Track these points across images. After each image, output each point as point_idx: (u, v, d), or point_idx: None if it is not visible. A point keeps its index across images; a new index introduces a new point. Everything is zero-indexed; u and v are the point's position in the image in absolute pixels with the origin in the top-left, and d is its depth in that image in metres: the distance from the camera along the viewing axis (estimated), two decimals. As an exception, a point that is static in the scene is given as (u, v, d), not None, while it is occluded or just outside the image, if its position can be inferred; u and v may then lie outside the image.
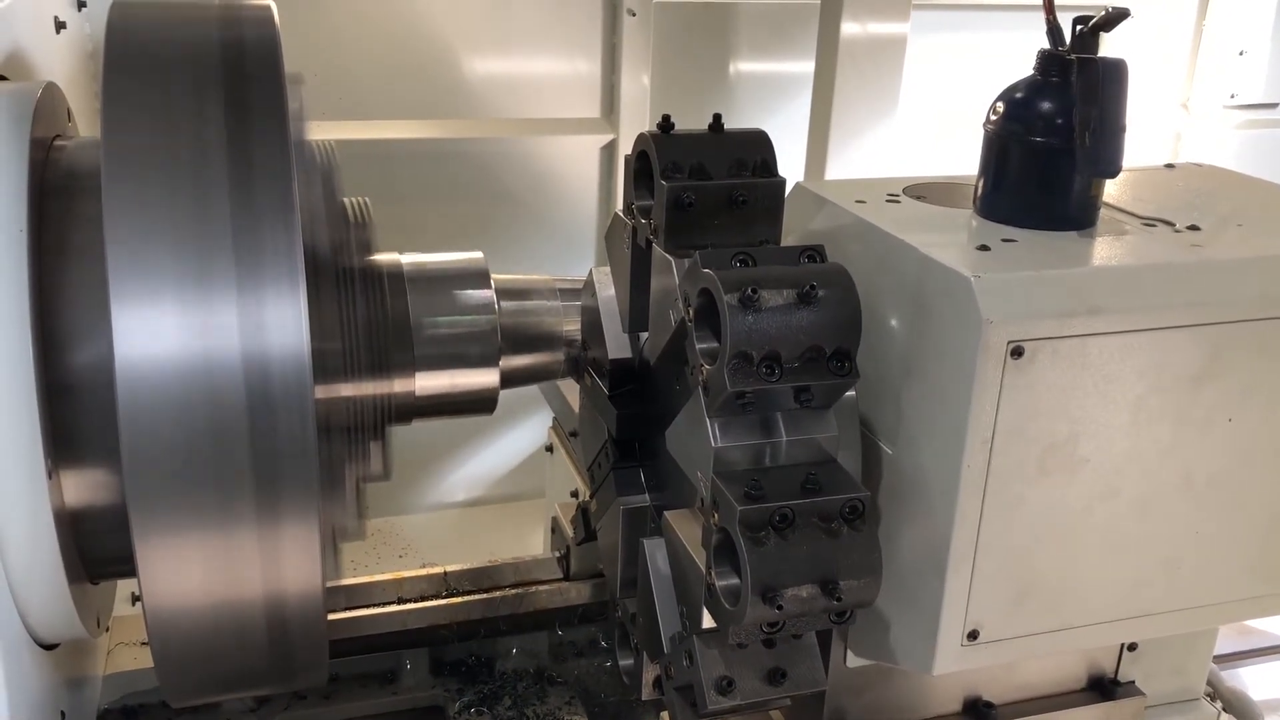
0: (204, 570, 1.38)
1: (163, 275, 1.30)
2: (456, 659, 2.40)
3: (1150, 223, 1.59)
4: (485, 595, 2.40)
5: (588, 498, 1.91)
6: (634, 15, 3.67)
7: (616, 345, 1.72)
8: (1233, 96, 4.41)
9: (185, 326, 1.31)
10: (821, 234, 1.63)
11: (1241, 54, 4.39)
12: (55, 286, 1.42)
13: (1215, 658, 2.26)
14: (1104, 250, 1.49)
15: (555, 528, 2.47)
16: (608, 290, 1.75)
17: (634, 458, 1.71)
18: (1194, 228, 1.57)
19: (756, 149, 1.53)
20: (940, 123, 3.82)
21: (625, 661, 1.81)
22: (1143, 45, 4.28)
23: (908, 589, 1.49)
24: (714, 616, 1.42)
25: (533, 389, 2.56)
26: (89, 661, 1.99)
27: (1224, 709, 1.99)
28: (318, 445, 1.35)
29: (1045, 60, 1.51)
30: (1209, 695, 1.99)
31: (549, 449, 2.70)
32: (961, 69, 3.98)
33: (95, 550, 1.54)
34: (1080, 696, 1.85)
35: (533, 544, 2.83)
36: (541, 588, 2.43)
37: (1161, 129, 4.44)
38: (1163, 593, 1.55)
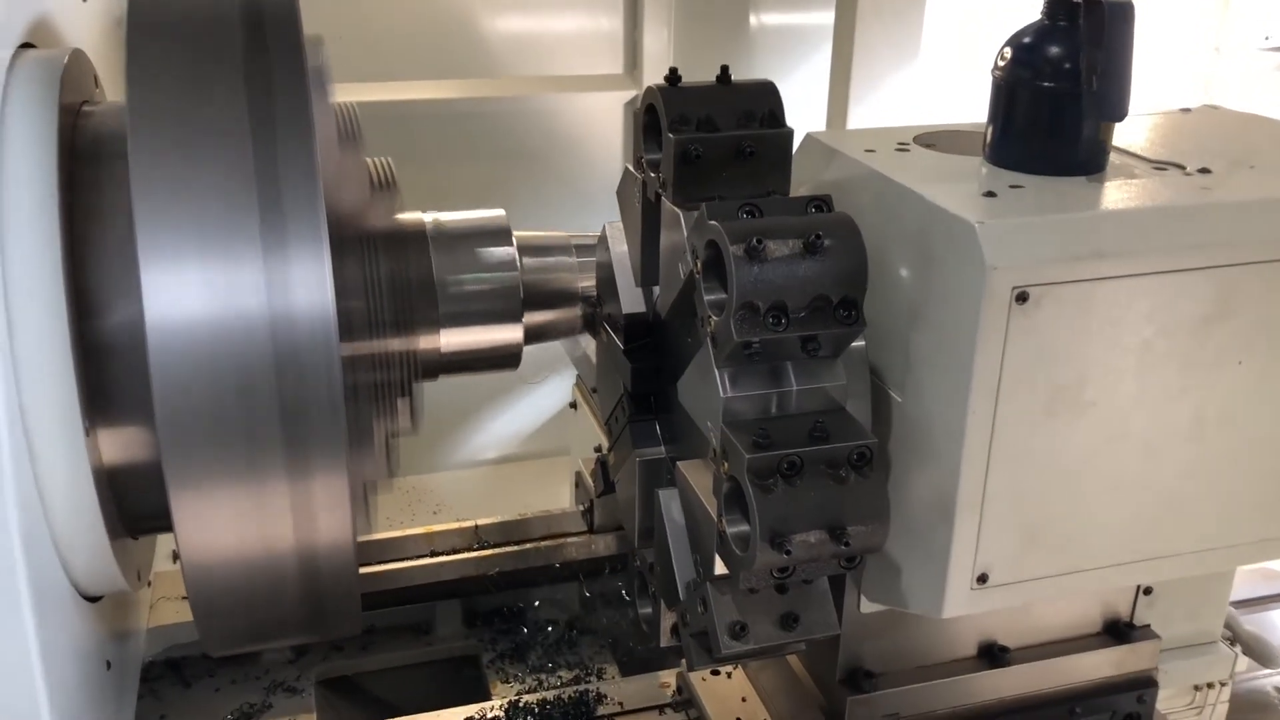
0: (237, 523, 1.42)
1: (189, 236, 1.33)
2: (490, 609, 2.46)
3: (1161, 166, 1.57)
4: (516, 547, 2.46)
5: (606, 451, 1.94)
6: (656, -31, 3.66)
7: (630, 300, 1.74)
8: (1266, 39, 4.31)
9: (213, 285, 1.34)
10: (833, 184, 1.64)
11: (1275, -5, 4.29)
12: (86, 249, 1.45)
13: (1241, 602, 2.27)
14: (1111, 194, 1.48)
15: (579, 482, 2.51)
16: (621, 245, 1.77)
17: (650, 411, 1.73)
18: (1205, 170, 1.55)
19: (764, 100, 1.54)
20: (963, 69, 3.77)
21: (644, 610, 1.85)
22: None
23: (918, 534, 1.51)
24: (726, 563, 1.45)
25: (557, 347, 2.60)
26: (133, 615, 2.06)
27: (1243, 652, 2.00)
28: (344, 401, 1.39)
29: (1052, 4, 1.50)
30: (1228, 639, 2.00)
31: (573, 405, 2.74)
32: (984, 14, 3.92)
33: (133, 506, 1.59)
34: (1095, 640, 1.86)
35: (561, 498, 2.88)
36: (569, 540, 2.49)
37: (1193, 72, 4.35)
38: (1173, 535, 1.55)
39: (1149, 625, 1.88)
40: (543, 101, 3.75)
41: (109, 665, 1.77)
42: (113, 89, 1.87)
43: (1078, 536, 1.51)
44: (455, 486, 3.97)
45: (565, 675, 2.33)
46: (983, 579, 1.48)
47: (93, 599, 1.68)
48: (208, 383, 1.35)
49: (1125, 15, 1.44)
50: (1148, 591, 1.85)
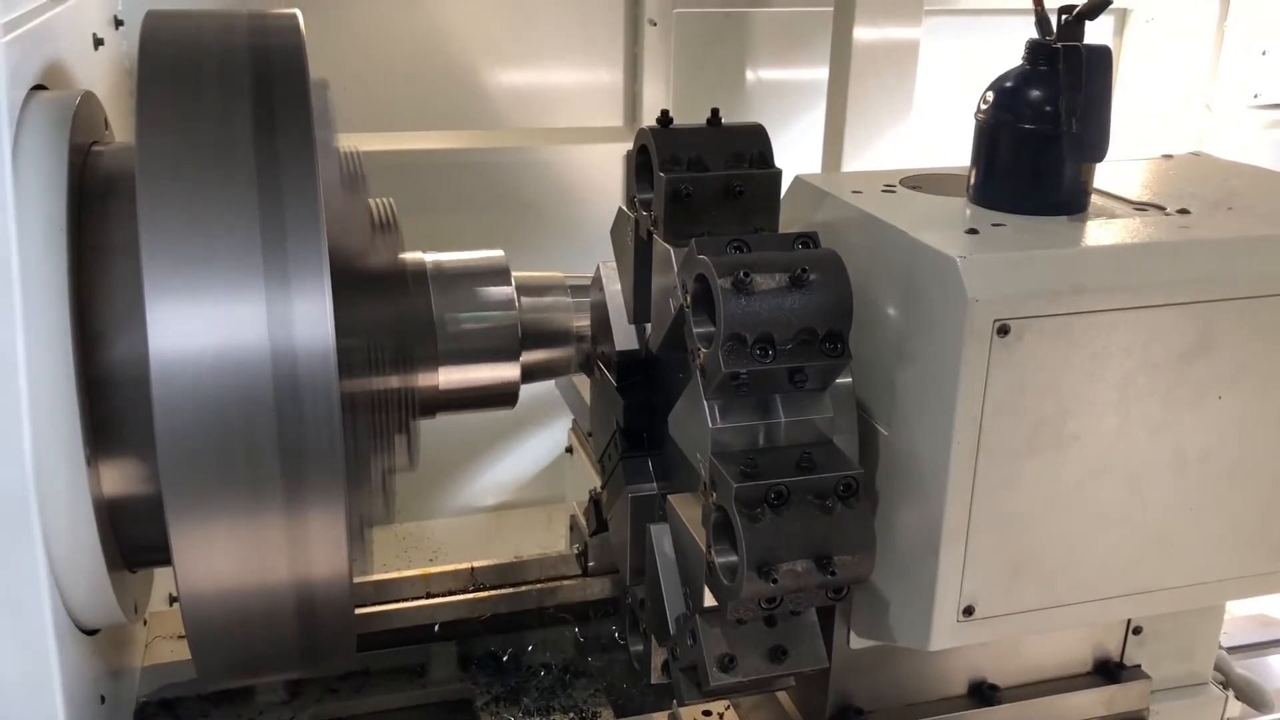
0: (235, 555, 1.44)
1: (194, 273, 1.37)
2: (484, 653, 2.45)
3: (1141, 207, 1.61)
4: (511, 590, 2.46)
5: (600, 489, 1.96)
6: (655, 25, 3.74)
7: (624, 338, 1.77)
8: (1256, 96, 4.38)
9: (216, 322, 1.37)
10: (821, 225, 1.68)
11: (1264, 54, 4.36)
12: (92, 284, 1.49)
13: (1237, 648, 2.27)
14: (1091, 232, 1.52)
15: (574, 525, 2.52)
16: (615, 284, 1.81)
17: (642, 447, 1.75)
18: (1184, 211, 1.59)
19: (754, 142, 1.58)
20: (954, 126, 3.83)
21: (635, 647, 1.86)
22: (1164, 46, 4.28)
23: (905, 567, 1.52)
24: (714, 594, 1.46)
25: (554, 394, 2.63)
26: (128, 652, 2.06)
27: (1235, 696, 1.99)
28: (343, 437, 1.41)
29: (1033, 49, 1.55)
30: (1220, 683, 2.00)
31: (569, 450, 2.75)
32: (974, 73, 3.99)
33: (132, 538, 1.61)
34: (1085, 680, 1.86)
35: (558, 544, 2.89)
36: (565, 583, 2.49)
37: (1184, 130, 4.42)
38: (1158, 570, 1.56)
39: (1139, 665, 1.88)
40: (543, 153, 3.82)
41: (103, 700, 1.77)
42: (123, 133, 1.93)
43: (1063, 569, 1.52)
44: (452, 533, 3.97)
45: (560, 719, 2.32)
46: (969, 611, 1.49)
47: (89, 632, 1.68)
48: (209, 417, 1.38)
49: (1103, 59, 1.49)
50: (1137, 631, 1.86)
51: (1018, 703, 1.81)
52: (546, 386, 2.41)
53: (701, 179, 1.54)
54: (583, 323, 1.92)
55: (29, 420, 1.41)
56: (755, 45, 3.95)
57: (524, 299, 1.90)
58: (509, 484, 4.18)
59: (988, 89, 1.59)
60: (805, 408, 1.46)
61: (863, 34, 3.48)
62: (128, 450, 1.53)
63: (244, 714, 2.25)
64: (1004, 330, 1.38)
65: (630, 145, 1.68)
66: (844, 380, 1.51)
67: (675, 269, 1.51)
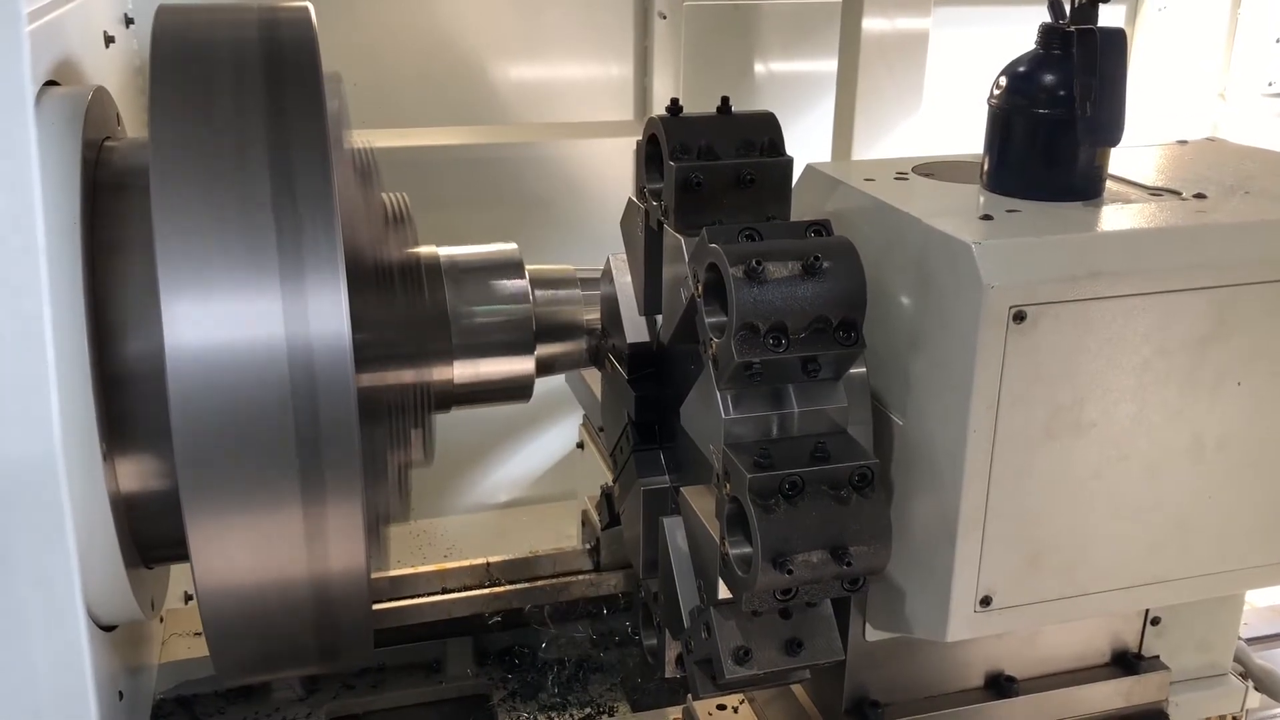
0: (253, 550, 1.45)
1: (209, 267, 1.37)
2: (500, 648, 2.45)
3: (1157, 192, 1.60)
4: (526, 585, 2.46)
5: (611, 483, 1.95)
6: (665, 18, 3.73)
7: (634, 330, 1.77)
8: (1270, 85, 4.34)
9: (232, 317, 1.37)
10: (834, 214, 1.66)
11: (1278, 42, 4.32)
12: (107, 280, 1.49)
13: (1256, 639, 2.25)
14: (1107, 217, 1.50)
15: (585, 520, 2.51)
16: (625, 277, 1.80)
17: (654, 440, 1.75)
18: (1200, 196, 1.58)
19: (764, 129, 1.57)
20: (966, 117, 3.80)
21: (649, 641, 1.85)
22: (1178, 34, 4.24)
23: (922, 558, 1.51)
24: (728, 585, 1.46)
25: (564, 390, 2.63)
26: (146, 648, 2.07)
27: (1255, 687, 1.98)
28: (359, 430, 1.41)
29: (1046, 33, 1.53)
30: (1239, 674, 1.98)
31: (580, 445, 2.75)
32: (985, 63, 3.96)
33: (149, 534, 1.61)
34: (1103, 671, 1.84)
35: (571, 539, 2.89)
36: (579, 578, 2.49)
37: (1199, 118, 4.39)
38: (1176, 559, 1.55)
39: (1158, 656, 1.86)
40: (554, 147, 3.82)
41: (121, 696, 1.77)
42: (134, 130, 1.93)
43: (1081, 559, 1.51)
44: (465, 530, 3.96)
45: (577, 714, 2.32)
46: (986, 601, 1.48)
47: (107, 628, 1.69)
48: (225, 412, 1.38)
49: (1117, 42, 1.47)
50: (1156, 622, 1.84)
51: (1035, 694, 1.80)
52: (556, 383, 2.40)
53: (712, 168, 1.53)
54: (592, 316, 1.92)
55: (59, 414, 1.41)
56: (764, 37, 3.94)
57: (537, 292, 1.90)
58: (521, 481, 4.18)
59: (1000, 74, 1.58)
60: (819, 397, 1.45)
61: (872, 25, 3.46)
62: (144, 446, 1.53)
63: (261, 710, 2.26)
64: (1020, 316, 1.37)
65: (639, 138, 1.67)
66: (858, 369, 1.50)
67: (686, 259, 1.51)
